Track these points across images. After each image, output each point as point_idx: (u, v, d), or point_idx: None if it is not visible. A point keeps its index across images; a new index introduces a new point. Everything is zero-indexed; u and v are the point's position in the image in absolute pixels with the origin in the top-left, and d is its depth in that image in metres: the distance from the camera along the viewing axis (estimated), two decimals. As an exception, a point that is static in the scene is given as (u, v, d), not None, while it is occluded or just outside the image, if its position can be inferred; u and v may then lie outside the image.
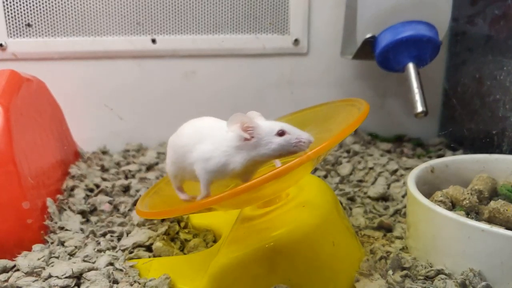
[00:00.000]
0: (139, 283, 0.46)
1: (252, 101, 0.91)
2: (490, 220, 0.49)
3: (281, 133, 0.40)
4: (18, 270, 0.48)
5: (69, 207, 0.61)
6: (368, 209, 0.64)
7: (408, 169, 0.75)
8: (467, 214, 0.51)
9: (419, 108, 0.69)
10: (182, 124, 0.49)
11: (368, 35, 0.74)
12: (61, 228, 0.57)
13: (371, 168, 0.76)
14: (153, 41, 0.85)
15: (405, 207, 0.62)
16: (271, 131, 0.40)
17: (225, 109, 0.91)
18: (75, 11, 0.82)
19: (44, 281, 0.46)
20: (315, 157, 0.37)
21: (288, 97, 0.92)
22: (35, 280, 0.46)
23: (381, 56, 0.74)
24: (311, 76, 0.91)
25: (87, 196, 0.65)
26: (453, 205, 0.53)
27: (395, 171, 0.75)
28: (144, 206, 0.50)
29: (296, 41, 0.88)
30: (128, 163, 0.80)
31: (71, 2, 0.81)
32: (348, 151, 0.84)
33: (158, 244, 0.53)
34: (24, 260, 0.48)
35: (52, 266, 0.48)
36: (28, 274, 0.47)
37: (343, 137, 0.39)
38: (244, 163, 0.40)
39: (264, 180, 0.37)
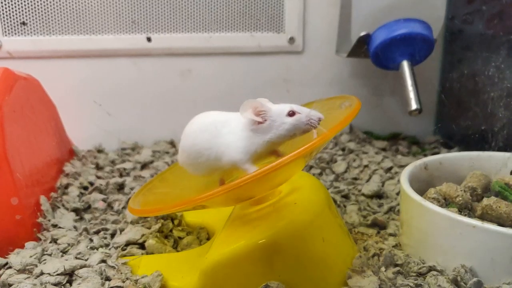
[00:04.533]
0: (131, 280, 0.46)
1: (248, 99, 0.91)
2: (483, 217, 0.49)
3: (291, 114, 0.42)
4: (10, 267, 0.48)
5: (62, 205, 0.61)
6: (362, 206, 0.64)
7: (403, 167, 0.75)
8: (460, 211, 0.51)
9: (414, 105, 0.69)
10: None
11: (363, 33, 0.74)
12: (54, 226, 0.57)
13: (366, 166, 0.76)
14: (149, 39, 0.85)
15: (399, 204, 0.62)
16: (282, 113, 0.42)
17: (221, 107, 0.90)
18: (70, 10, 0.82)
19: (36, 278, 0.46)
20: (301, 156, 0.38)
21: (284, 95, 0.92)
22: (27, 277, 0.46)
23: (376, 54, 0.74)
24: (306, 74, 0.91)
25: (81, 194, 0.65)
26: (446, 202, 0.53)
27: (390, 168, 0.75)
28: (136, 203, 0.49)
29: (291, 39, 0.88)
30: (123, 161, 0.80)
31: (66, 0, 0.81)
32: (343, 149, 0.84)
33: (151, 242, 0.53)
34: (16, 258, 0.48)
35: (44, 263, 0.48)
36: (20, 271, 0.47)
37: (332, 135, 0.40)
38: (264, 144, 0.42)
39: (253, 177, 0.37)
